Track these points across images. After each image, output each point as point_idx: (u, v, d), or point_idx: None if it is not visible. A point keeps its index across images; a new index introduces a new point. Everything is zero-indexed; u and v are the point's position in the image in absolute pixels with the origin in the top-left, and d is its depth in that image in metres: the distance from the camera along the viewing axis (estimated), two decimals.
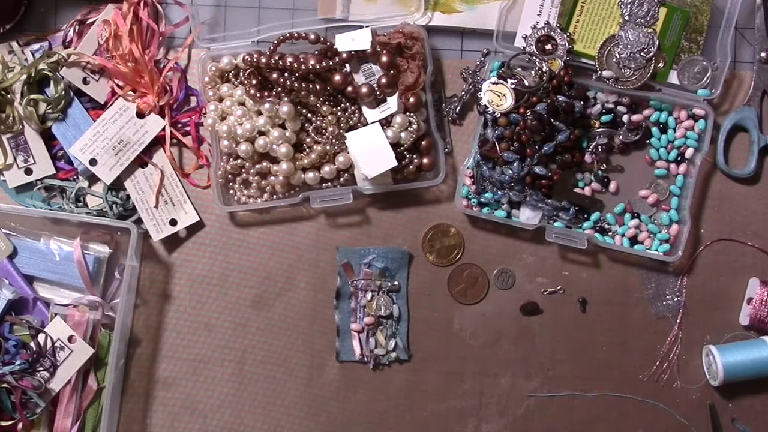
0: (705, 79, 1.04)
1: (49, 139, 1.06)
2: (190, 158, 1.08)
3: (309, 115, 1.04)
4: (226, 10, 1.07)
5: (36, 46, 1.05)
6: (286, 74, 1.01)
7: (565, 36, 1.03)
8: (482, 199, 1.04)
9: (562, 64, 1.03)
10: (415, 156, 1.04)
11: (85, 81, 1.05)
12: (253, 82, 1.02)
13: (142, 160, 1.06)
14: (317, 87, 1.01)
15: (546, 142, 1.01)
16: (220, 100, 1.05)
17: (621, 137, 1.05)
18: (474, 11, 1.06)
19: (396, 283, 1.07)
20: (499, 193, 1.03)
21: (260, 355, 1.07)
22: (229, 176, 1.06)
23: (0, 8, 1.04)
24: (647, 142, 1.06)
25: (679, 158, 1.06)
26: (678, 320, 1.07)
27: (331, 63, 1.01)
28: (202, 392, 1.07)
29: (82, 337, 1.02)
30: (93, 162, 1.04)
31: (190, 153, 1.08)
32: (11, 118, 1.04)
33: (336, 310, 1.07)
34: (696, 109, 1.04)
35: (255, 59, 1.01)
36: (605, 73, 1.03)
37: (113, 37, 1.04)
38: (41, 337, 1.00)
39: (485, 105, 1.01)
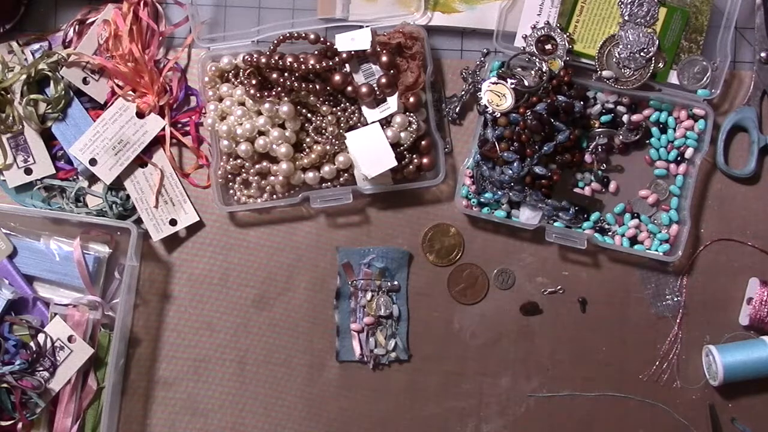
0: (705, 79, 1.04)
1: (49, 139, 1.06)
2: (190, 158, 1.08)
3: (309, 115, 1.04)
4: (226, 10, 1.07)
5: (36, 46, 1.05)
6: (286, 74, 1.01)
7: (565, 36, 1.03)
8: (482, 199, 1.04)
9: (562, 64, 1.03)
10: (415, 156, 1.04)
11: (85, 81, 1.05)
12: (253, 82, 1.02)
13: (142, 160, 1.06)
14: (317, 87, 1.01)
15: (546, 142, 1.00)
16: (220, 100, 1.05)
17: (621, 137, 1.05)
18: (474, 11, 1.06)
19: (396, 283, 1.07)
20: (499, 193, 1.03)
21: (260, 355, 1.07)
22: (229, 176, 1.06)
23: (0, 8, 1.04)
24: (647, 142, 1.06)
25: (679, 158, 1.06)
26: (678, 320, 1.07)
27: (331, 63, 1.01)
28: (202, 392, 1.07)
29: (81, 337, 1.02)
30: (93, 162, 1.04)
31: (190, 153, 1.08)
32: (11, 118, 1.04)
33: (336, 310, 1.07)
34: (696, 109, 1.04)
35: (255, 59, 1.01)
36: (605, 73, 1.03)
37: (113, 37, 1.04)
38: (41, 337, 1.00)
39: (485, 105, 1.01)
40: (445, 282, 1.07)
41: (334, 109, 1.04)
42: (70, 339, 1.01)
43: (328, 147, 1.04)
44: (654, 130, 1.05)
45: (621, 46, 1.03)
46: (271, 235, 1.07)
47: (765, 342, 1.03)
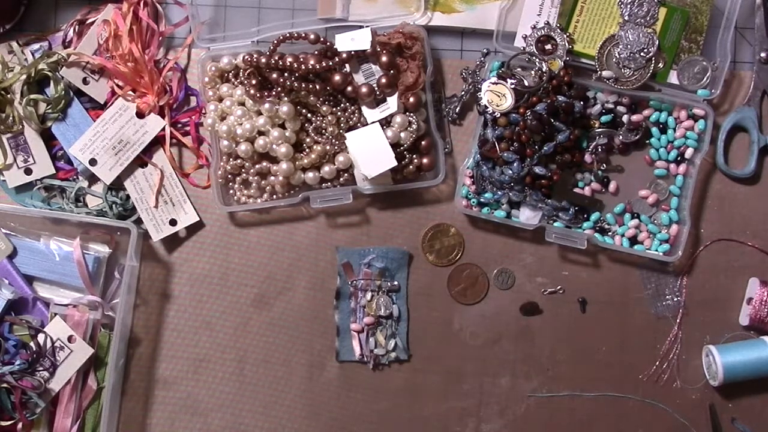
0: (705, 79, 1.04)
1: (49, 139, 1.06)
2: (190, 158, 1.08)
3: (309, 115, 1.04)
4: (226, 10, 1.07)
5: (36, 46, 1.05)
6: (286, 74, 1.01)
7: (565, 36, 1.03)
8: (482, 199, 1.04)
9: (562, 64, 1.03)
10: (415, 156, 1.04)
11: (85, 81, 1.05)
12: (253, 82, 1.02)
13: (142, 160, 1.06)
14: (317, 87, 1.01)
15: (546, 142, 1.01)
16: (220, 100, 1.05)
17: (621, 137, 1.05)
18: (474, 11, 1.06)
19: (396, 283, 1.07)
20: (499, 193, 1.03)
21: (260, 355, 1.07)
22: (229, 176, 1.06)
23: (0, 8, 1.04)
24: (647, 142, 1.06)
25: (679, 158, 1.06)
26: (678, 320, 1.07)
27: (331, 63, 1.01)
28: (202, 392, 1.07)
29: (81, 337, 1.02)
30: (93, 162, 1.04)
31: (190, 153, 1.08)
32: (11, 118, 1.04)
33: (336, 310, 1.07)
34: (696, 109, 1.04)
35: (255, 59, 1.01)
36: (605, 73, 1.03)
37: (113, 37, 1.04)
38: (41, 337, 1.00)
39: (485, 105, 1.01)
40: (445, 282, 1.07)
41: (334, 109, 1.04)
42: (70, 339, 1.01)
43: (328, 147, 1.04)
44: (654, 130, 1.05)
45: (621, 46, 1.03)
46: (271, 235, 1.07)
47: (765, 342, 1.03)
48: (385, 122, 1.03)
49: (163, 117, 1.05)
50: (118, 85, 1.05)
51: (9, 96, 1.03)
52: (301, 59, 1.01)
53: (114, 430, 1.06)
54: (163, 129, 1.06)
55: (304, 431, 1.07)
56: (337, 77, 1.02)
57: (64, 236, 1.04)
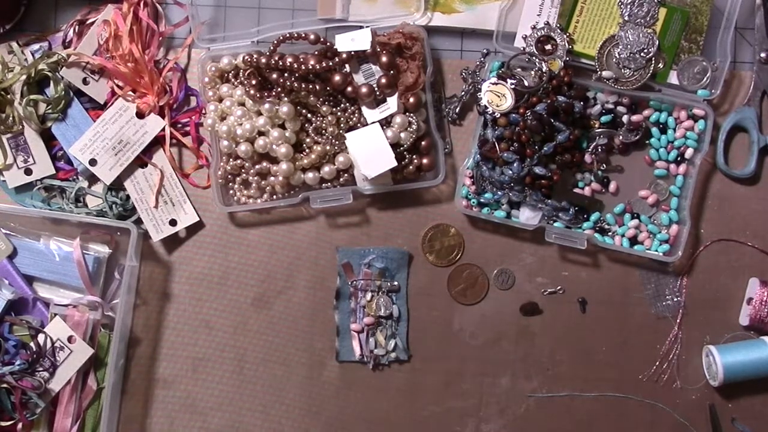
0: (705, 79, 1.04)
1: (49, 139, 1.06)
2: (190, 158, 1.08)
3: (309, 115, 1.04)
4: (226, 10, 1.07)
5: (36, 46, 1.05)
6: (286, 74, 1.01)
7: (564, 36, 1.03)
8: (482, 200, 1.04)
9: (562, 64, 1.03)
10: (415, 156, 1.04)
11: (85, 81, 1.05)
12: (253, 82, 1.02)
13: (141, 160, 1.06)
14: (317, 87, 1.01)
15: (546, 142, 1.01)
16: (220, 100, 1.05)
17: (621, 137, 1.05)
18: (474, 11, 1.06)
19: (396, 283, 1.07)
20: (499, 193, 1.03)
21: (260, 354, 1.07)
22: (229, 176, 1.06)
23: (0, 8, 1.05)
24: (647, 142, 1.06)
25: (678, 158, 1.06)
26: (678, 320, 1.07)
27: (331, 63, 1.01)
28: (202, 392, 1.07)
29: (81, 337, 1.02)
30: (93, 162, 1.04)
31: (190, 153, 1.08)
32: (11, 118, 1.04)
33: (336, 310, 1.07)
34: (696, 110, 1.04)
35: (255, 59, 1.01)
36: (605, 74, 1.03)
37: (113, 37, 1.04)
38: (41, 338, 1.00)
39: (485, 105, 1.01)
40: (445, 282, 1.07)
41: (334, 109, 1.04)
42: (70, 339, 1.01)
43: (328, 147, 1.04)
44: (654, 130, 1.05)
45: (621, 47, 1.03)
46: (270, 236, 1.07)
47: (765, 342, 1.03)
48: (385, 122, 1.03)
49: (163, 117, 1.05)
50: (118, 86, 1.05)
51: (9, 96, 1.03)
52: (301, 59, 1.01)
53: (114, 430, 1.06)
54: (163, 129, 1.06)
55: (303, 431, 1.07)
56: (337, 77, 1.02)
57: (64, 236, 1.04)
